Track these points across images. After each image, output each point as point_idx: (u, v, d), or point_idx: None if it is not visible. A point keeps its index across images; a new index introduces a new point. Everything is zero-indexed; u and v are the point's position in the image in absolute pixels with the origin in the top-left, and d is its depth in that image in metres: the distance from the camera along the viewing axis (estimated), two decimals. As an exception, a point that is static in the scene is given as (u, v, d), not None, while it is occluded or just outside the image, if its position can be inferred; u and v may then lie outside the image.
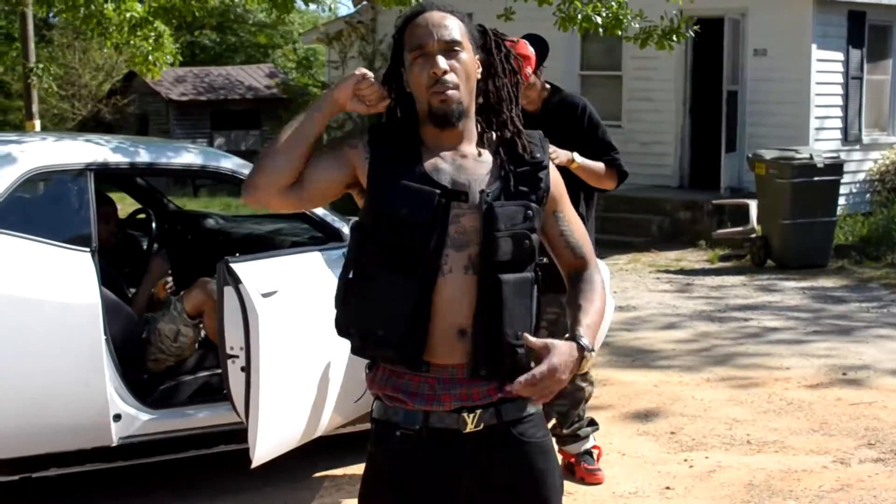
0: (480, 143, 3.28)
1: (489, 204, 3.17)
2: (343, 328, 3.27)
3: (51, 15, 12.89)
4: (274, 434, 5.54)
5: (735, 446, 7.26)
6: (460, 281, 3.16)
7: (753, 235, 14.99)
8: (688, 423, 7.76)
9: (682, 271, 14.78)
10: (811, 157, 14.46)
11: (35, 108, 23.57)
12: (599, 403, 8.18)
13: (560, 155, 6.04)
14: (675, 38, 9.63)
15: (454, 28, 3.20)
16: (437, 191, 3.15)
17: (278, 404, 5.49)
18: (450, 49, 3.18)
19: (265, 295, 5.47)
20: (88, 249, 5.84)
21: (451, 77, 3.16)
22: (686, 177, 18.61)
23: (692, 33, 10.02)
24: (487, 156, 3.27)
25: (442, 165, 3.21)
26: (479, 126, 3.30)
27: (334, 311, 3.29)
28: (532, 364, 3.13)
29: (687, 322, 11.38)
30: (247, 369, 5.43)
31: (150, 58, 13.13)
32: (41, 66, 20.11)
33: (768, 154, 14.74)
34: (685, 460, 6.98)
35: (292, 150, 3.21)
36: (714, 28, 17.60)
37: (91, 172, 6.02)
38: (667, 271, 14.78)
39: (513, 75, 3.36)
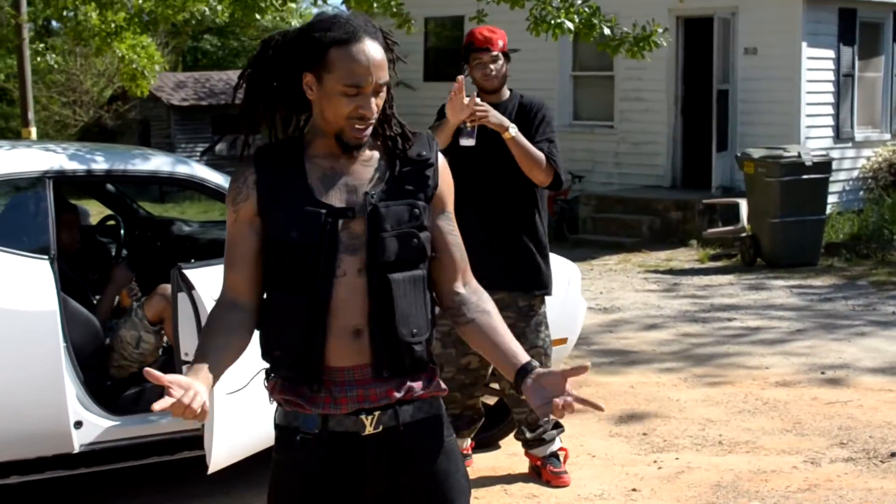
0: (370, 145, 3.27)
1: (374, 206, 3.17)
2: (261, 350, 3.30)
3: (48, 21, 12.91)
4: (230, 440, 5.53)
5: (706, 447, 7.24)
6: (353, 283, 3.16)
7: (743, 234, 14.96)
8: (661, 424, 7.75)
9: (670, 271, 14.76)
10: (799, 156, 14.44)
11: (31, 115, 23.63)
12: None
13: (493, 116, 6.03)
14: (647, 46, 9.61)
15: (386, 66, 3.18)
16: (323, 210, 3.16)
17: (233, 410, 5.48)
18: (380, 90, 3.18)
19: (219, 301, 5.46)
20: (47, 257, 5.83)
21: (374, 117, 3.18)
22: (678, 176, 18.58)
23: (664, 42, 10.00)
24: (375, 156, 3.27)
25: (328, 176, 3.21)
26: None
27: None
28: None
29: (670, 322, 11.36)
30: (201, 375, 5.41)
31: (144, 72, 13.13)
32: (43, 48, 20.14)
33: (756, 153, 14.72)
34: (654, 461, 6.97)
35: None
36: (704, 27, 17.59)
37: (49, 180, 6.01)
38: (656, 271, 14.76)
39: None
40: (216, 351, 3.15)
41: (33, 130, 23.58)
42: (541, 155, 6.21)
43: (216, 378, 3.12)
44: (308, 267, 3.14)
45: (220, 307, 3.26)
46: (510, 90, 6.53)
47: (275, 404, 3.32)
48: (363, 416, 3.20)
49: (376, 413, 3.21)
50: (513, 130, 6.12)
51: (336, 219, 3.16)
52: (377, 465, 3.23)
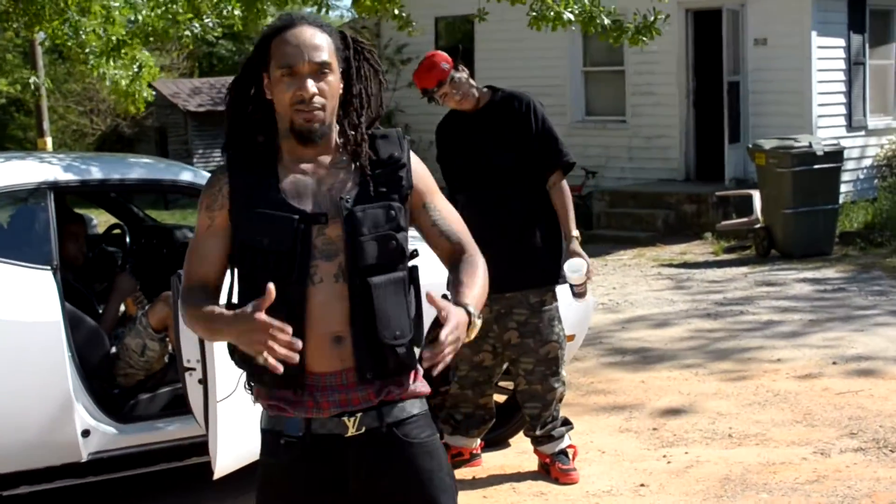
0: (341, 148, 3.29)
1: (349, 210, 3.19)
2: (231, 356, 3.31)
3: (43, 35, 12.84)
4: (235, 446, 5.55)
5: (716, 440, 7.24)
6: (331, 289, 3.17)
7: (757, 226, 14.93)
8: (671, 418, 7.75)
9: (685, 265, 14.74)
10: (810, 146, 14.40)
11: (46, 125, 23.76)
12: (583, 401, 8.18)
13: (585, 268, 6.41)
14: (649, 33, 9.59)
15: (324, 48, 3.20)
16: (296, 216, 3.17)
17: (237, 416, 5.50)
18: (319, 71, 3.19)
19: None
20: (50, 267, 5.87)
21: (318, 99, 3.18)
22: (692, 169, 18.56)
23: (665, 26, 10.00)
24: (347, 160, 3.28)
25: (301, 182, 3.23)
26: (338, 131, 3.32)
27: None
28: (420, 357, 3.11)
29: (683, 317, 11.33)
30: (204, 381, 5.45)
31: (132, 88, 13.01)
32: (39, 80, 20.16)
33: (767, 144, 14.69)
34: (664, 456, 6.97)
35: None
36: (713, 19, 17.55)
37: (50, 191, 6.05)
38: (670, 265, 14.74)
39: (373, 78, 3.37)
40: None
41: (49, 141, 23.71)
42: (566, 201, 6.49)
43: None
44: (281, 274, 3.14)
45: (191, 289, 3.26)
46: (486, 88, 6.56)
47: (260, 408, 3.35)
48: (345, 419, 3.23)
49: (358, 415, 3.23)
50: (577, 235, 6.53)
51: (309, 224, 3.17)
52: (360, 466, 3.26)
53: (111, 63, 11.61)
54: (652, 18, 9.56)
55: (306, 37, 3.19)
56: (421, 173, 3.38)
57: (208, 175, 6.58)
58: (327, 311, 3.17)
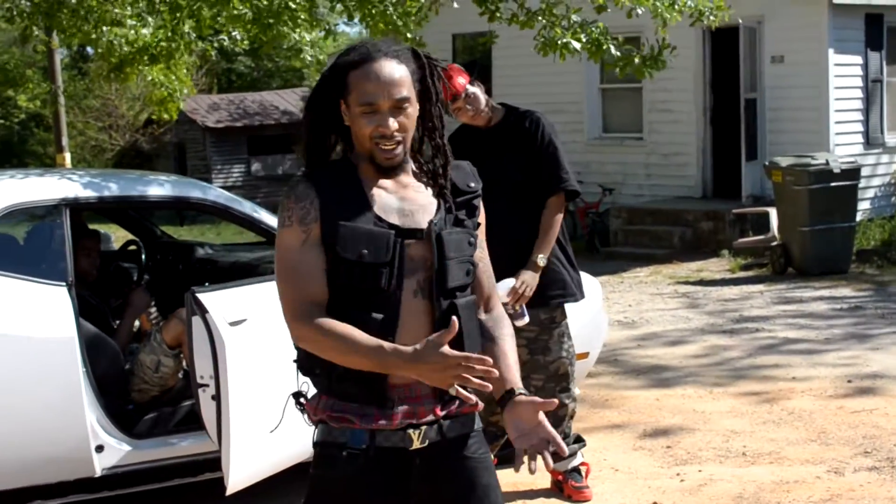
0: (416, 173, 3.38)
1: (438, 233, 3.28)
2: (306, 367, 3.35)
3: (79, 48, 13.03)
4: (247, 461, 5.57)
5: (730, 458, 7.22)
6: (414, 304, 3.26)
7: (774, 244, 14.90)
8: (685, 436, 7.73)
9: (701, 282, 14.72)
10: (827, 163, 14.38)
11: (65, 140, 23.85)
12: (597, 418, 8.18)
13: (529, 283, 6.23)
14: (655, 65, 9.66)
15: (404, 84, 3.27)
16: (392, 231, 3.25)
17: (250, 432, 5.53)
18: (399, 106, 3.25)
19: (233, 324, 5.52)
20: (65, 283, 5.90)
21: (398, 135, 3.26)
22: (709, 187, 18.55)
23: (672, 57, 10.06)
24: (426, 182, 3.38)
25: (388, 201, 3.31)
26: (413, 155, 3.40)
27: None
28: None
29: (698, 334, 11.32)
30: (217, 398, 5.47)
31: (175, 96, 13.22)
32: (57, 87, 20.34)
33: (784, 161, 14.67)
34: (677, 474, 6.95)
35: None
36: (730, 36, 17.55)
37: (66, 208, 6.09)
38: (686, 282, 14.72)
39: (442, 102, 3.47)
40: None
41: (68, 156, 23.80)
42: (549, 223, 6.34)
43: None
44: (379, 285, 3.22)
45: (309, 310, 3.27)
46: (501, 105, 6.57)
47: (311, 425, 3.39)
48: (411, 431, 3.29)
49: (423, 428, 3.30)
50: (539, 261, 6.28)
51: (404, 239, 3.26)
52: (423, 479, 3.32)
53: (153, 67, 11.76)
54: (657, 50, 9.61)
55: (386, 73, 3.25)
56: (482, 209, 3.49)
57: (222, 191, 6.65)
58: (411, 324, 3.26)
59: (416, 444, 3.29)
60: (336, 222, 3.25)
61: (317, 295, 3.26)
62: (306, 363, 3.34)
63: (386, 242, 3.23)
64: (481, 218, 3.48)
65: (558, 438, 3.23)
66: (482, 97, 6.45)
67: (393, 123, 3.23)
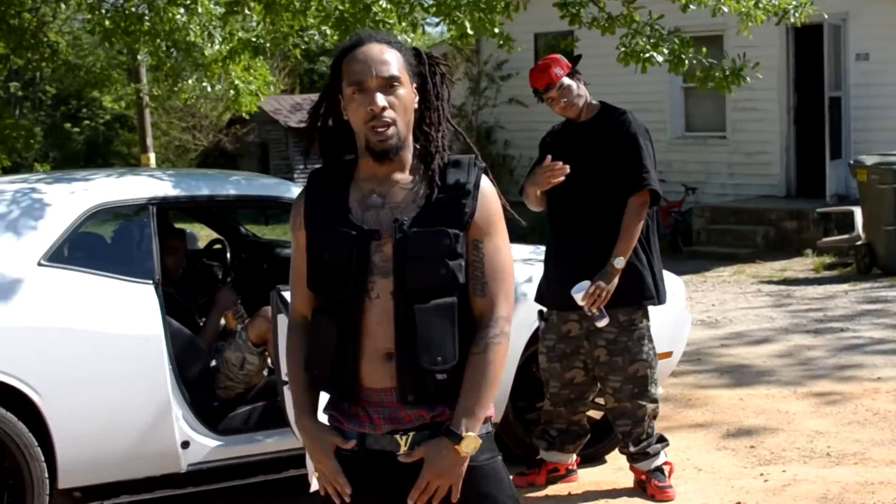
0: (414, 169, 3.32)
1: (403, 233, 3.21)
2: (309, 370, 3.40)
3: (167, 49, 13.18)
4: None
5: (814, 459, 7.17)
6: (385, 307, 3.22)
7: (859, 243, 14.74)
8: (769, 436, 7.68)
9: (784, 281, 14.60)
10: (913, 162, 14.21)
11: (149, 140, 24.12)
12: (680, 418, 8.15)
13: (604, 285, 6.22)
14: (736, 81, 9.64)
15: (393, 63, 3.25)
16: (353, 232, 3.23)
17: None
18: (388, 85, 3.22)
19: (317, 321, 5.56)
20: (152, 282, 5.99)
21: (389, 113, 3.21)
22: (792, 186, 18.38)
23: (759, 76, 10.07)
24: (417, 181, 3.30)
25: (368, 199, 3.28)
26: (414, 150, 3.35)
27: None
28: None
29: (782, 334, 11.23)
30: (301, 395, 5.51)
31: (258, 92, 13.35)
32: (143, 89, 20.59)
33: (869, 160, 14.50)
34: (761, 474, 6.91)
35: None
36: (814, 34, 17.37)
37: (153, 206, 6.18)
38: (770, 282, 14.61)
39: (448, 98, 3.43)
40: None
41: (152, 157, 24.08)
42: (629, 224, 6.29)
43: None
44: (337, 288, 3.22)
45: (297, 331, 3.39)
46: (599, 102, 6.55)
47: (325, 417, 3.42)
48: (398, 437, 3.26)
49: (411, 434, 3.25)
50: (617, 264, 6.26)
51: (364, 240, 3.22)
52: (413, 484, 3.25)
53: (232, 64, 11.89)
54: (740, 65, 9.59)
55: (374, 53, 3.25)
56: (488, 207, 3.32)
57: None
58: (381, 327, 3.22)
59: (404, 450, 3.25)
60: (313, 226, 3.30)
61: (303, 304, 3.38)
62: (307, 364, 3.40)
63: (346, 245, 3.21)
64: (485, 218, 3.30)
65: (416, 493, 3.22)
66: (576, 90, 6.44)
67: (381, 100, 3.19)
